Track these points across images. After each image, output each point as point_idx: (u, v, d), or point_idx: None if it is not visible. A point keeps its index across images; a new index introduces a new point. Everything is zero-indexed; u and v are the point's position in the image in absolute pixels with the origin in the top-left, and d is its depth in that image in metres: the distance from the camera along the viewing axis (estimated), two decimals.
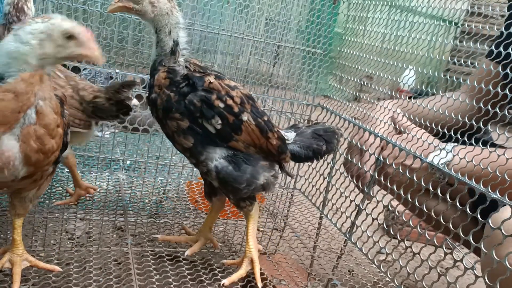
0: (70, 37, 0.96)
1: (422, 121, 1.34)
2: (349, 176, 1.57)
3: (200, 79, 1.29)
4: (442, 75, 1.31)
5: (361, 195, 1.50)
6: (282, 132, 1.45)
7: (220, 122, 1.29)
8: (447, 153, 1.23)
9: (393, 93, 1.54)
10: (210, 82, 1.29)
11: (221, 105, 1.28)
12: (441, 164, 1.22)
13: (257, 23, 2.89)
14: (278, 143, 1.39)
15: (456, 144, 1.23)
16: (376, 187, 1.45)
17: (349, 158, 1.56)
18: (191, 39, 2.77)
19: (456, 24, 4.52)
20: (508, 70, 1.07)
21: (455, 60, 1.31)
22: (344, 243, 1.60)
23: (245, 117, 1.32)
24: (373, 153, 1.45)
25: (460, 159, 1.16)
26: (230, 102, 1.30)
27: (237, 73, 3.12)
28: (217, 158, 1.33)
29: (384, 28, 1.63)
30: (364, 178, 1.48)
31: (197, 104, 1.27)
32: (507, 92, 1.05)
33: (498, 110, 1.10)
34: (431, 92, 1.34)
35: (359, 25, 1.81)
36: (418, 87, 1.71)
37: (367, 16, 1.74)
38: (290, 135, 1.47)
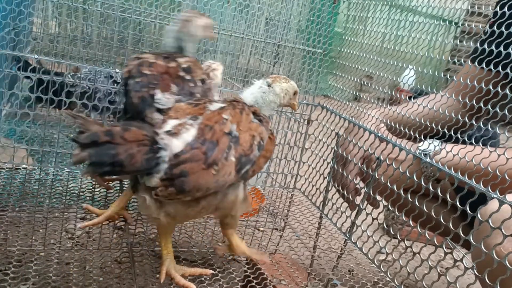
0: (295, 93, 1.37)
1: (414, 123, 1.36)
2: (335, 185, 1.61)
3: None
4: (442, 75, 1.31)
5: (361, 196, 1.51)
6: None
7: None
8: (437, 143, 1.27)
9: (393, 93, 1.54)
10: None
11: None
12: (431, 150, 1.24)
13: (257, 23, 2.89)
14: None
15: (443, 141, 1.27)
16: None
17: (335, 167, 1.59)
18: None
19: (456, 24, 4.52)
20: (491, 67, 1.10)
21: (455, 60, 1.31)
22: (344, 242, 1.60)
23: None
24: (358, 163, 1.47)
25: (447, 152, 1.20)
26: None
27: (237, 73, 3.12)
28: None
29: (384, 28, 1.63)
30: (348, 187, 1.52)
31: None
32: (491, 88, 1.08)
33: (482, 105, 1.11)
34: (431, 92, 1.35)
35: (359, 25, 1.81)
36: (418, 86, 1.71)
37: (367, 16, 1.74)
38: None
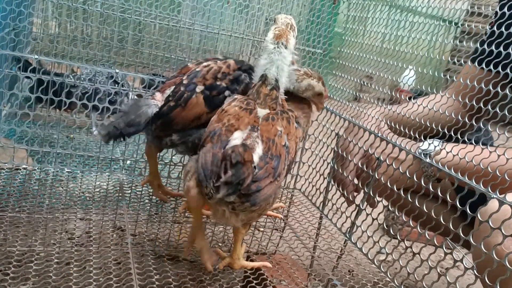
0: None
1: (414, 123, 1.36)
2: (335, 184, 1.62)
3: None
4: (442, 75, 1.31)
5: (361, 195, 1.51)
6: None
7: None
8: (437, 144, 1.27)
9: (393, 93, 1.54)
10: None
11: None
12: (432, 151, 1.25)
13: (257, 23, 2.89)
14: None
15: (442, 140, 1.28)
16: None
17: (335, 166, 1.60)
18: (191, 39, 2.77)
19: (456, 24, 4.51)
20: (492, 67, 1.10)
21: (455, 60, 1.31)
22: (344, 243, 1.60)
23: None
24: (357, 162, 1.48)
25: (447, 152, 1.20)
26: None
27: None
28: None
29: (384, 28, 1.63)
30: (347, 187, 1.53)
31: None
32: (491, 88, 1.09)
33: (482, 106, 1.11)
34: (431, 92, 1.35)
35: (359, 25, 1.81)
36: (418, 87, 1.71)
37: (367, 16, 1.74)
38: None
